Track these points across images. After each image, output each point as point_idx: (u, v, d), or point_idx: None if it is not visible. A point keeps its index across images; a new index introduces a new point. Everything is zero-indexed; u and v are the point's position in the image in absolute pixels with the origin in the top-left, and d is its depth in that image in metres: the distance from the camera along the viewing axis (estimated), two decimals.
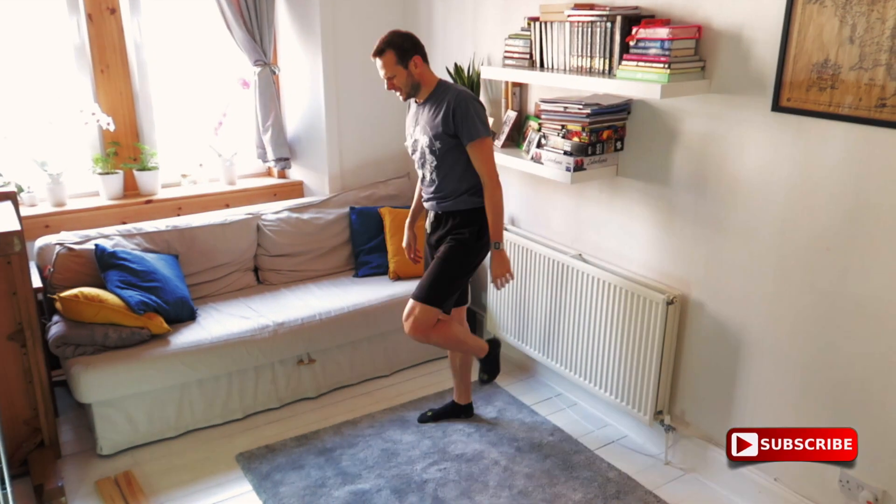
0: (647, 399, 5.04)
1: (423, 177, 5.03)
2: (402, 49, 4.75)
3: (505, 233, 5.87)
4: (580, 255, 5.49)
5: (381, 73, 4.82)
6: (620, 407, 5.27)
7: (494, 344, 5.46)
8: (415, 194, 5.40)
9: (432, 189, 4.98)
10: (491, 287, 5.74)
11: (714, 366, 4.76)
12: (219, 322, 5.59)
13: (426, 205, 5.13)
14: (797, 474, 4.38)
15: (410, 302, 4.96)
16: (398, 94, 4.91)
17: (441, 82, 4.92)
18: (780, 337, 4.33)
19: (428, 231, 5.18)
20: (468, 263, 5.01)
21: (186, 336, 5.38)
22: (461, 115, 4.70)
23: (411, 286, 6.10)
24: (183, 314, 5.56)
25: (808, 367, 4.21)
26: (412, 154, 5.09)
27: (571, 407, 5.83)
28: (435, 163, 4.87)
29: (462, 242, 4.93)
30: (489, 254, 4.95)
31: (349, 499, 4.77)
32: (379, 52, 4.76)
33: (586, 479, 4.96)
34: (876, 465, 3.98)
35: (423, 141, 4.88)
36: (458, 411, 5.64)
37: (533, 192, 5.87)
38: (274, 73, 6.76)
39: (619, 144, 4.97)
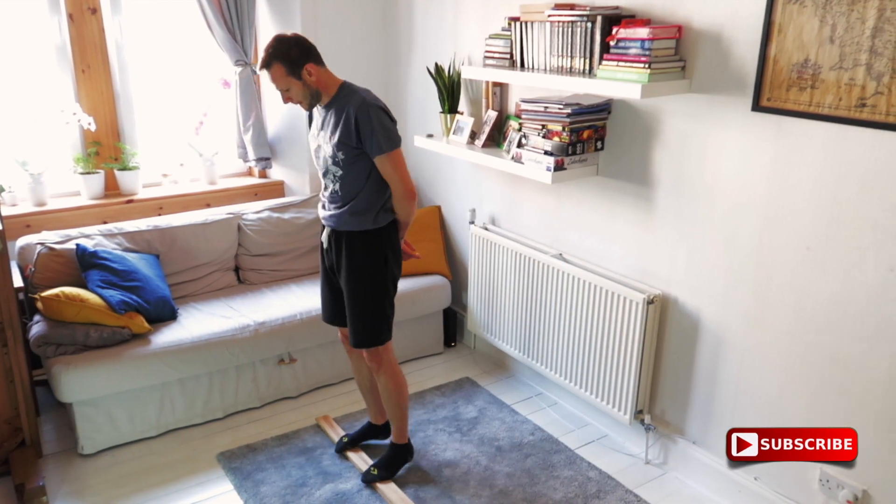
0: (627, 398, 5.02)
1: (325, 186, 4.64)
2: (290, 59, 4.33)
3: (486, 232, 5.88)
4: (560, 254, 5.46)
5: (272, 84, 4.44)
6: (601, 406, 5.24)
7: (409, 450, 5.11)
8: None
9: (332, 202, 4.59)
10: (472, 287, 5.73)
11: (694, 365, 4.74)
12: (200, 322, 5.55)
13: (323, 219, 4.69)
14: (777, 473, 4.36)
15: (365, 353, 4.80)
16: (286, 101, 4.52)
17: (343, 86, 4.51)
18: (760, 336, 4.31)
19: (325, 246, 4.74)
20: (382, 288, 4.68)
21: (167, 336, 5.34)
22: (364, 127, 4.33)
23: None
24: (164, 314, 5.52)
25: (787, 367, 4.20)
26: (315, 158, 4.69)
27: (552, 406, 5.80)
28: (340, 173, 4.48)
29: (366, 275, 4.62)
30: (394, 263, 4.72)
31: (330, 498, 4.74)
32: (266, 66, 4.34)
33: (567, 479, 4.94)
34: (857, 464, 3.95)
35: (328, 149, 4.48)
36: (377, 431, 5.33)
37: (513, 191, 5.85)
38: (255, 72, 6.70)
39: (599, 144, 4.94)
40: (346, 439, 5.28)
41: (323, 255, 4.80)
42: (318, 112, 4.62)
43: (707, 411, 4.72)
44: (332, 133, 4.42)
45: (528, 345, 5.79)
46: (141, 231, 5.92)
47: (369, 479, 4.87)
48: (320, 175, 4.65)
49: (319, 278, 4.96)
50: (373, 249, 4.56)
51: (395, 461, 4.99)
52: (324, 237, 4.72)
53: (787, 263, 4.08)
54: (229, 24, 6.34)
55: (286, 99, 4.46)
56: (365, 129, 4.31)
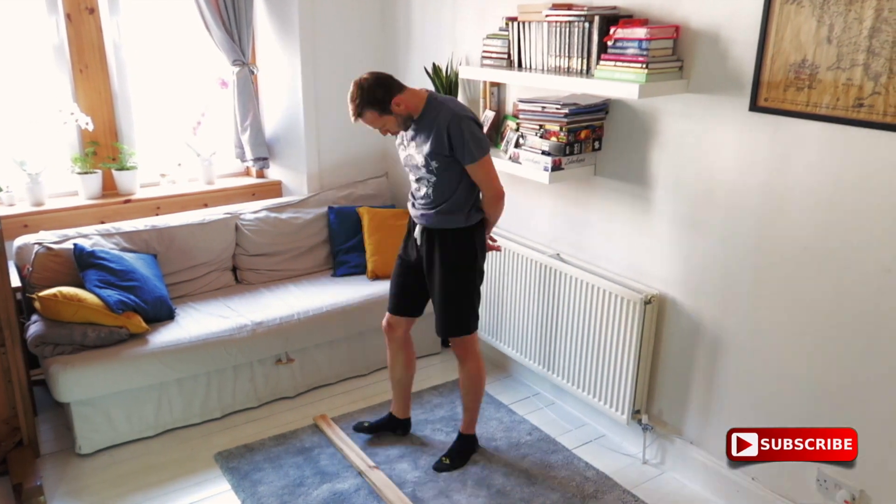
0: (624, 398, 5.01)
1: (417, 189, 4.78)
2: (378, 101, 4.47)
3: None
4: (558, 254, 5.46)
5: (371, 127, 4.64)
6: (598, 406, 5.24)
7: (476, 442, 5.27)
8: None
9: (425, 204, 4.73)
10: None
11: (691, 365, 4.74)
12: (197, 321, 5.54)
13: (416, 216, 4.83)
14: (775, 474, 4.36)
15: (452, 341, 5.02)
16: (385, 133, 4.71)
17: (429, 101, 4.57)
18: (758, 336, 4.31)
19: (418, 242, 4.84)
20: (471, 284, 4.85)
21: (165, 335, 5.32)
22: (456, 139, 4.44)
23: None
24: (161, 313, 5.51)
25: (785, 366, 4.19)
26: (405, 165, 4.83)
27: (549, 406, 5.80)
28: (434, 179, 4.62)
29: (458, 270, 4.77)
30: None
31: (327, 498, 4.73)
32: (358, 115, 4.54)
33: (564, 479, 4.93)
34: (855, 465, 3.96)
35: (419, 159, 4.60)
36: (396, 425, 5.45)
37: (511, 191, 5.80)
38: (252, 72, 6.71)
39: (596, 144, 4.93)
40: (366, 424, 5.43)
41: (407, 249, 4.99)
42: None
43: (705, 411, 4.72)
44: (425, 144, 4.53)
45: (526, 345, 5.78)
46: (139, 231, 5.91)
47: (441, 469, 5.02)
48: (412, 178, 4.80)
49: (395, 270, 5.10)
50: (464, 245, 4.73)
51: (465, 451, 5.14)
52: (417, 233, 4.84)
53: (785, 263, 4.08)
54: (227, 24, 6.33)
55: (384, 133, 4.65)
56: (457, 141, 4.43)
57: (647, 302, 4.75)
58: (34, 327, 5.11)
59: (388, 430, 5.41)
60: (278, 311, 5.76)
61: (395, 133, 4.66)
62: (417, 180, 4.73)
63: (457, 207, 4.64)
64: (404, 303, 5.07)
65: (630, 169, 4.83)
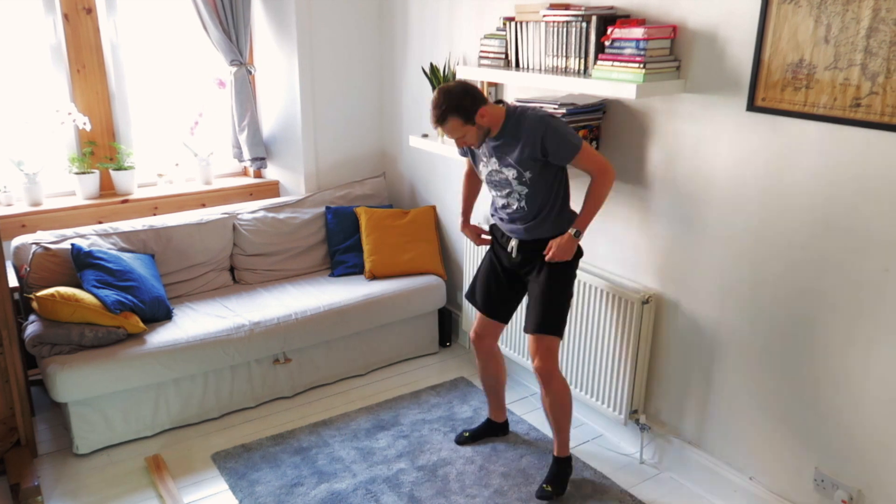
0: (622, 398, 5.01)
1: (506, 204, 4.67)
2: (464, 109, 4.33)
3: None
4: None
5: (448, 136, 4.54)
6: (596, 406, 5.24)
7: (571, 463, 4.98)
8: (464, 192, 5.24)
9: (519, 218, 4.64)
10: (467, 287, 5.71)
11: (689, 365, 4.74)
12: (195, 321, 5.53)
13: (507, 230, 4.78)
14: (772, 473, 4.36)
15: (531, 338, 4.70)
16: (463, 145, 4.62)
17: (509, 113, 4.48)
18: (755, 336, 4.31)
19: (513, 256, 4.75)
20: (571, 284, 4.74)
21: (162, 335, 5.31)
22: (551, 142, 4.33)
23: (387, 285, 6.14)
24: (159, 313, 5.50)
25: (782, 367, 4.19)
26: (488, 182, 4.74)
27: None
28: (526, 191, 4.51)
29: (562, 272, 4.64)
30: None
31: (325, 498, 4.72)
32: (440, 121, 4.39)
33: None
34: (851, 465, 3.95)
35: (510, 173, 4.49)
36: (496, 429, 5.44)
37: None
38: (250, 72, 6.70)
39: (594, 144, 4.92)
40: (467, 434, 5.39)
41: (497, 254, 4.94)
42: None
43: (702, 411, 4.72)
44: (513, 156, 4.44)
45: (523, 345, 5.77)
46: (136, 231, 5.90)
47: (544, 497, 4.79)
48: (496, 194, 4.72)
49: (483, 274, 5.06)
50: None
51: (563, 475, 4.89)
52: (511, 246, 4.76)
53: (783, 263, 4.07)
54: (224, 24, 6.32)
55: (461, 144, 4.56)
56: (551, 144, 4.34)
57: (645, 302, 4.75)
58: (32, 327, 5.10)
59: (488, 435, 5.41)
60: (276, 311, 5.75)
61: (473, 145, 4.55)
62: (507, 195, 4.62)
63: (553, 215, 4.58)
64: (496, 307, 5.02)
65: (627, 169, 4.83)
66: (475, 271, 5.15)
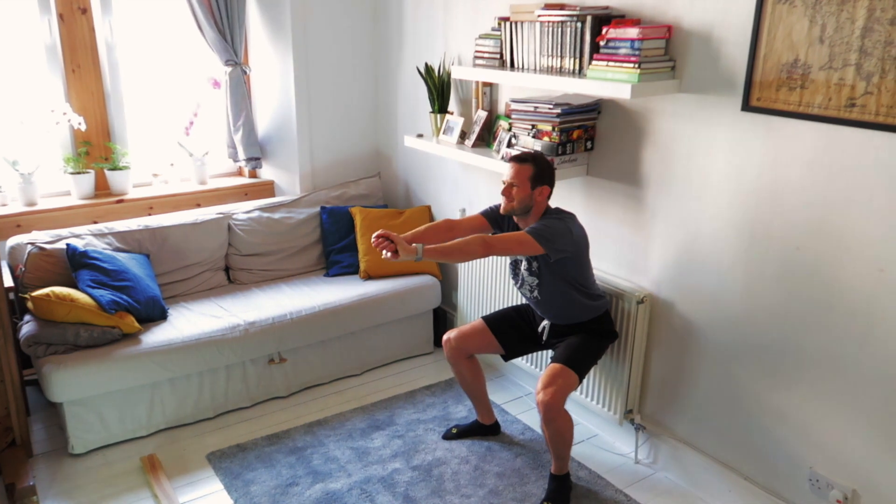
0: (617, 398, 5.01)
1: (528, 290, 4.82)
2: (542, 171, 4.50)
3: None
4: None
5: (507, 177, 4.55)
6: (591, 406, 5.23)
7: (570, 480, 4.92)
8: (433, 225, 4.91)
9: (537, 305, 4.85)
10: (461, 287, 5.72)
11: (684, 365, 4.73)
12: (190, 321, 5.52)
13: (537, 313, 4.99)
14: (767, 473, 4.36)
15: (552, 366, 4.60)
16: (504, 201, 4.61)
17: (549, 210, 4.65)
18: (750, 336, 4.30)
19: (543, 336, 4.92)
20: (600, 355, 4.79)
21: (157, 335, 5.30)
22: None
23: (382, 285, 6.14)
24: (154, 313, 5.49)
25: (777, 366, 4.19)
26: (510, 265, 4.95)
27: None
28: (535, 281, 4.69)
29: (598, 343, 4.75)
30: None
31: (320, 498, 4.71)
32: (520, 160, 4.51)
33: None
34: (845, 464, 3.95)
35: (523, 263, 4.70)
36: (485, 430, 5.43)
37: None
38: (245, 72, 6.68)
39: (589, 144, 4.92)
40: (455, 430, 5.42)
41: (532, 327, 5.04)
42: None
43: (697, 411, 4.71)
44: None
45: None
46: (131, 231, 5.88)
47: None
48: (514, 282, 4.92)
49: (514, 309, 5.17)
50: (603, 328, 4.81)
51: (565, 491, 4.81)
52: (543, 327, 4.92)
53: (777, 263, 4.07)
54: (219, 24, 6.31)
55: (507, 192, 4.57)
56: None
57: (640, 302, 4.74)
58: (27, 327, 5.09)
59: (478, 435, 5.43)
60: (271, 311, 5.74)
61: (511, 200, 4.58)
62: (521, 284, 4.81)
63: (576, 299, 4.67)
64: (507, 334, 5.08)
65: (622, 169, 4.82)
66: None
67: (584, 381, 5.18)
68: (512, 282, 4.91)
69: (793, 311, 4.04)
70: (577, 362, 4.58)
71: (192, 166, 6.80)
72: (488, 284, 5.95)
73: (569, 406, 5.42)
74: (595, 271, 5.07)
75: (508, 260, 4.91)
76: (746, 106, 4.01)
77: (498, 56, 5.13)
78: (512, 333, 5.06)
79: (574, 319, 4.72)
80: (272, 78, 6.87)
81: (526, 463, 5.07)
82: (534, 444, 5.28)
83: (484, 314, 5.21)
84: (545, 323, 4.87)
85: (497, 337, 5.06)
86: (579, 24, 4.46)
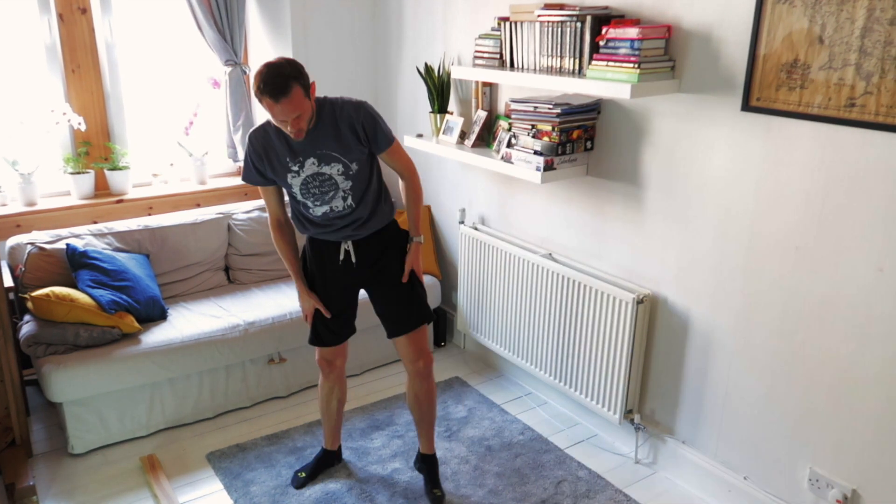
0: (616, 398, 4.99)
1: (328, 211, 4.32)
2: (304, 79, 3.92)
3: (476, 231, 5.87)
4: (550, 254, 5.44)
5: (285, 116, 3.89)
6: (590, 406, 5.22)
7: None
8: (286, 252, 4.63)
9: (348, 216, 4.35)
10: (461, 287, 5.70)
11: (684, 365, 4.72)
12: (189, 321, 5.53)
13: (334, 237, 4.45)
14: (767, 473, 4.35)
15: (412, 335, 4.59)
16: (294, 133, 4.01)
17: (318, 100, 4.19)
18: (750, 335, 4.30)
19: (352, 261, 4.48)
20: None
21: (157, 335, 5.31)
22: (370, 126, 4.19)
23: None
24: (154, 313, 5.49)
25: (777, 366, 4.18)
26: (303, 194, 4.30)
27: (541, 406, 5.78)
28: (350, 185, 4.25)
29: (401, 256, 4.56)
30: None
31: (320, 498, 4.72)
32: (283, 91, 3.79)
33: (556, 478, 4.92)
34: (845, 464, 3.95)
35: (334, 169, 4.19)
36: (332, 458, 5.08)
37: (503, 191, 5.83)
38: (244, 72, 6.68)
39: (589, 144, 4.92)
40: (303, 475, 4.94)
41: (325, 276, 4.58)
42: (279, 139, 4.23)
43: (697, 411, 4.70)
44: (336, 147, 4.17)
45: (518, 344, 5.76)
46: (131, 231, 5.89)
47: (439, 501, 4.73)
48: (314, 204, 4.33)
49: (315, 311, 4.66)
50: (402, 234, 4.61)
51: (436, 471, 4.86)
52: (346, 251, 4.47)
53: (777, 263, 4.06)
54: (219, 24, 6.31)
55: (296, 127, 3.96)
56: (370, 128, 4.19)
57: (640, 301, 4.74)
58: (27, 327, 5.10)
59: (327, 467, 5.05)
60: (270, 311, 5.75)
61: (300, 129, 3.99)
62: (330, 199, 4.29)
63: (381, 200, 4.48)
64: (340, 330, 4.75)
65: (622, 168, 4.82)
66: (312, 321, 4.72)
67: (585, 380, 5.19)
68: (310, 205, 4.31)
69: (793, 310, 4.04)
70: (426, 313, 4.63)
71: (192, 166, 6.80)
72: (488, 284, 5.94)
73: (569, 406, 5.45)
74: (594, 271, 5.09)
75: (297, 184, 4.26)
76: (746, 106, 4.01)
77: (498, 56, 5.12)
78: (345, 325, 4.79)
79: (378, 225, 4.46)
80: None
81: (525, 463, 5.06)
82: (534, 444, 5.27)
83: (312, 340, 4.80)
84: (346, 246, 4.46)
85: (345, 337, 4.82)
86: (579, 24, 4.46)
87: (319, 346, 4.77)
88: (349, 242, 4.46)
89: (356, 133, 4.18)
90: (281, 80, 3.79)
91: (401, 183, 4.61)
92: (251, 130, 4.32)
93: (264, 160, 4.27)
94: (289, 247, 4.60)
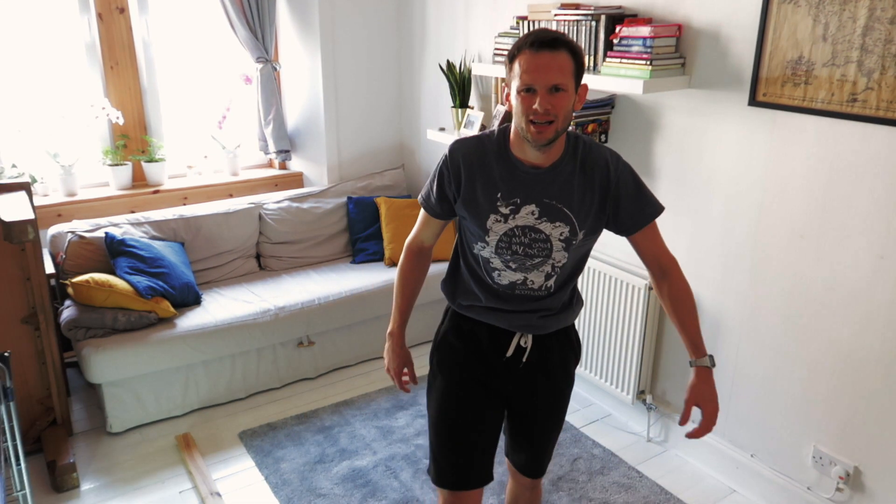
0: (629, 379, 5.05)
1: (520, 282, 3.02)
2: (580, 59, 2.76)
3: None
4: None
5: (540, 75, 2.67)
6: (604, 387, 5.28)
7: None
8: (407, 285, 3.49)
9: (540, 300, 3.06)
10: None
11: None
12: (223, 306, 5.58)
13: (508, 323, 3.10)
14: (773, 450, 4.40)
15: (525, 482, 3.51)
16: (537, 131, 2.72)
17: (569, 134, 2.95)
18: (757, 319, 4.34)
19: (520, 363, 3.15)
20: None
21: (192, 319, 5.37)
22: (630, 186, 3.00)
23: None
24: (188, 299, 5.55)
25: (782, 348, 4.23)
26: (500, 243, 2.95)
27: None
28: (565, 259, 2.98)
29: (571, 379, 3.35)
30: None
31: (347, 475, 4.77)
32: (551, 45, 2.67)
33: (572, 456, 4.96)
34: (848, 442, 3.99)
35: (557, 230, 2.90)
36: None
37: None
38: (275, 69, 6.74)
39: (603, 138, 4.95)
40: None
41: (474, 373, 3.23)
42: (500, 165, 2.95)
43: None
44: (574, 203, 2.91)
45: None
46: (167, 220, 5.94)
47: None
48: (505, 264, 3.01)
49: (448, 424, 3.26)
50: (576, 345, 3.38)
51: None
52: (524, 345, 3.15)
53: (782, 250, 4.11)
54: (251, 22, 6.36)
55: (547, 105, 2.69)
56: (629, 189, 3.00)
57: (651, 287, 4.77)
58: (67, 312, 5.15)
59: None
60: (300, 297, 5.79)
61: (550, 119, 2.70)
62: (531, 267, 2.99)
63: (576, 293, 3.25)
64: (482, 464, 3.25)
65: (635, 161, 4.82)
66: (436, 448, 3.30)
67: (599, 363, 5.25)
68: (498, 263, 3.02)
69: (797, 296, 4.09)
70: (546, 466, 3.51)
71: (225, 158, 6.87)
72: None
73: (585, 387, 5.46)
74: (608, 258, 5.12)
75: (501, 229, 2.94)
76: (753, 101, 4.05)
77: None
78: (486, 461, 3.25)
79: (565, 322, 3.22)
80: (301, 74, 6.92)
81: None
82: None
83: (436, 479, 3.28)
84: (525, 340, 3.14)
85: (483, 481, 3.24)
86: (594, 23, 4.50)
87: (441, 485, 3.27)
88: (529, 337, 3.15)
89: (606, 191, 2.96)
90: (551, 36, 2.70)
91: (660, 293, 3.25)
92: (458, 139, 3.08)
93: (463, 182, 2.99)
94: (415, 282, 3.51)
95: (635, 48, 4.26)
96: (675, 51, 4.35)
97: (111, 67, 6.16)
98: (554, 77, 2.68)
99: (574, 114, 3.12)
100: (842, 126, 3.70)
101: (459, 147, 3.02)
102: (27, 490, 3.78)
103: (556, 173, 2.90)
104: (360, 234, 6.66)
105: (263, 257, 6.45)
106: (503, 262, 3.00)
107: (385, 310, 6.03)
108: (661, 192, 4.71)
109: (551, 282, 3.02)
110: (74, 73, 6.15)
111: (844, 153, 3.72)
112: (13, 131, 5.84)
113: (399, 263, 3.43)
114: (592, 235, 3.03)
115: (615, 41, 4.37)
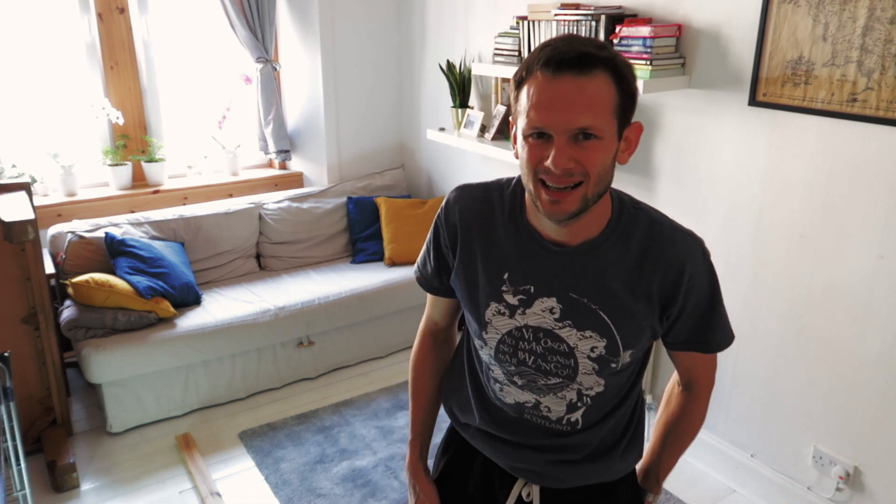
0: None
1: (531, 406, 2.19)
2: (628, 84, 1.91)
3: None
4: None
5: (559, 111, 1.82)
6: None
7: None
8: (424, 383, 2.63)
9: (559, 437, 2.21)
10: None
11: None
12: (223, 306, 5.57)
13: (509, 460, 2.28)
14: (773, 450, 4.40)
15: None
16: (551, 200, 1.93)
17: (617, 198, 2.27)
18: (757, 319, 4.34)
19: None
20: None
21: (192, 319, 5.36)
22: (707, 307, 2.17)
23: (406, 272, 6.14)
24: (188, 299, 5.54)
25: (782, 349, 4.23)
26: (498, 347, 2.15)
27: None
28: (602, 387, 2.15)
29: None
30: None
31: (347, 474, 4.77)
32: (580, 65, 1.81)
33: None
34: (848, 442, 3.99)
35: (586, 343, 2.07)
36: None
37: None
38: (275, 69, 6.75)
39: None
40: None
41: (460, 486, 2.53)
42: (514, 239, 2.13)
43: None
44: (617, 304, 2.06)
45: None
46: (167, 220, 5.93)
47: None
48: (516, 384, 2.19)
49: None
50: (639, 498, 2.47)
51: None
52: (525, 499, 2.31)
53: (782, 250, 4.11)
54: (251, 22, 6.36)
55: (565, 160, 1.87)
56: (702, 302, 2.16)
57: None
58: (67, 312, 5.14)
59: None
60: (300, 297, 5.78)
61: (572, 198, 1.95)
62: (550, 389, 2.16)
63: (627, 435, 2.31)
64: None
65: (635, 160, 4.84)
66: None
67: None
68: (501, 375, 2.22)
69: (798, 296, 4.08)
70: None
71: (225, 158, 6.87)
72: None
73: None
74: None
75: (504, 327, 2.14)
76: (753, 101, 4.05)
77: (516, 53, 5.16)
78: None
79: (602, 475, 2.29)
80: (301, 74, 6.92)
81: None
82: None
83: None
84: (528, 492, 2.30)
85: None
86: (594, 23, 4.50)
87: None
88: (535, 489, 2.30)
89: (669, 301, 2.11)
90: (578, 50, 1.81)
91: (670, 394, 2.53)
92: (461, 185, 2.33)
93: (459, 246, 2.22)
94: (430, 376, 2.62)
95: (635, 48, 4.26)
96: (675, 51, 4.35)
97: (111, 67, 6.16)
98: (579, 116, 1.82)
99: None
100: (842, 126, 3.70)
101: (461, 196, 2.26)
102: (27, 490, 3.78)
103: (591, 257, 2.06)
104: (360, 234, 6.65)
105: (263, 257, 6.45)
106: (506, 375, 2.19)
107: (383, 310, 6.04)
108: (661, 192, 4.73)
109: (577, 415, 2.17)
110: (74, 73, 6.15)
111: (844, 153, 3.72)
112: (13, 131, 5.83)
113: (413, 357, 2.65)
114: (643, 353, 2.25)
115: (615, 41, 4.36)
